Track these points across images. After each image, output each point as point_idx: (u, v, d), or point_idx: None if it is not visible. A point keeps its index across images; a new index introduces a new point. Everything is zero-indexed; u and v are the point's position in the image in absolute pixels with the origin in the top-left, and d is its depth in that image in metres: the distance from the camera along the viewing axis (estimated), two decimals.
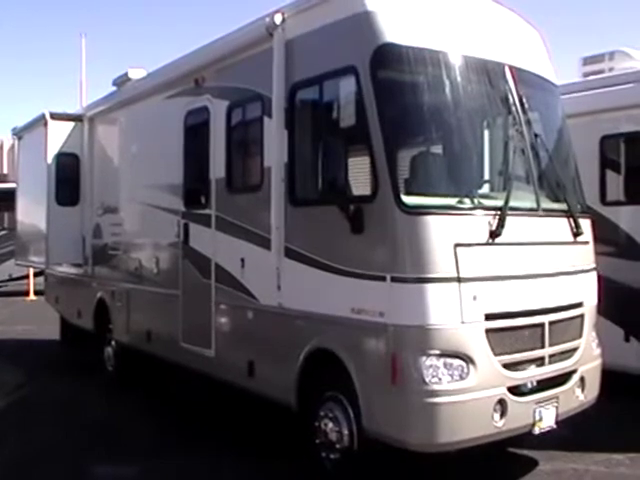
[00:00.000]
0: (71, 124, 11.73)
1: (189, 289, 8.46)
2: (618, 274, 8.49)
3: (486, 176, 6.77)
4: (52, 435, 8.07)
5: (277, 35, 6.78)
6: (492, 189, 6.64)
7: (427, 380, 5.40)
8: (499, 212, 5.79)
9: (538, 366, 6.05)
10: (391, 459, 6.04)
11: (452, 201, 5.72)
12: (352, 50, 6.00)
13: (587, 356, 6.59)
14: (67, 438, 7.98)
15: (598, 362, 6.85)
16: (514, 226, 5.87)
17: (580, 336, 6.53)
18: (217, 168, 7.90)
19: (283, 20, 6.78)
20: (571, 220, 6.55)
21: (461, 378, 5.50)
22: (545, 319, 6.08)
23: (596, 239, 7.01)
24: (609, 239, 8.45)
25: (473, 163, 6.45)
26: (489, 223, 5.75)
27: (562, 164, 6.91)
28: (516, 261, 5.96)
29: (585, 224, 6.74)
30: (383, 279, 5.62)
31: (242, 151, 7.81)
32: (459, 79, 6.19)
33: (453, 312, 5.51)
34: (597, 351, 6.86)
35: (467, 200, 5.78)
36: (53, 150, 11.51)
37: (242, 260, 7.38)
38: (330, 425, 6.17)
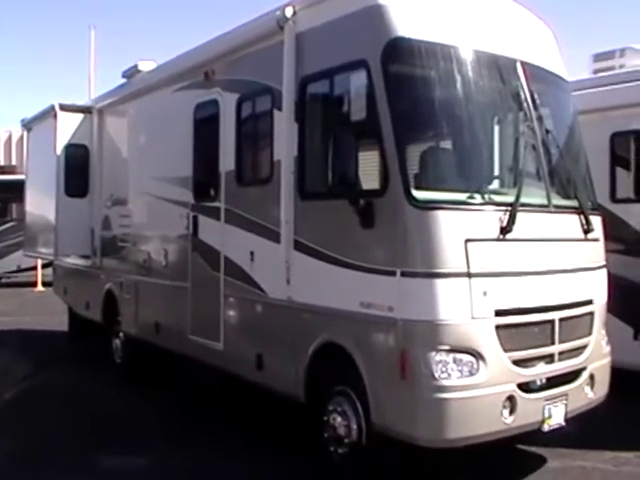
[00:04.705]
0: (80, 116, 11.71)
1: (198, 282, 8.45)
2: (628, 272, 8.46)
3: (497, 172, 6.75)
4: (59, 425, 8.11)
5: (288, 28, 6.76)
6: (503, 185, 6.61)
7: (436, 375, 5.39)
8: (510, 208, 5.76)
9: (548, 363, 6.03)
10: (399, 454, 6.03)
11: (463, 196, 5.70)
12: (363, 44, 5.98)
13: (596, 354, 6.57)
14: (74, 428, 8.02)
15: (607, 360, 6.82)
16: (525, 222, 5.84)
17: (590, 334, 6.51)
18: (227, 161, 7.89)
19: (294, 13, 6.75)
20: (582, 217, 6.51)
21: (471, 374, 5.49)
22: (555, 316, 6.05)
23: (606, 236, 6.98)
24: (619, 236, 8.40)
25: (484, 158, 6.43)
26: (500, 219, 5.72)
27: (573, 161, 6.88)
28: (526, 257, 5.94)
29: (596, 221, 6.71)
30: (393, 274, 5.60)
31: (252, 144, 7.79)
32: (470, 74, 6.17)
33: (463, 307, 5.50)
34: (606, 349, 6.84)
35: (478, 196, 5.76)
36: (62, 141, 11.48)
37: (251, 253, 7.37)
38: (339, 419, 6.17)
